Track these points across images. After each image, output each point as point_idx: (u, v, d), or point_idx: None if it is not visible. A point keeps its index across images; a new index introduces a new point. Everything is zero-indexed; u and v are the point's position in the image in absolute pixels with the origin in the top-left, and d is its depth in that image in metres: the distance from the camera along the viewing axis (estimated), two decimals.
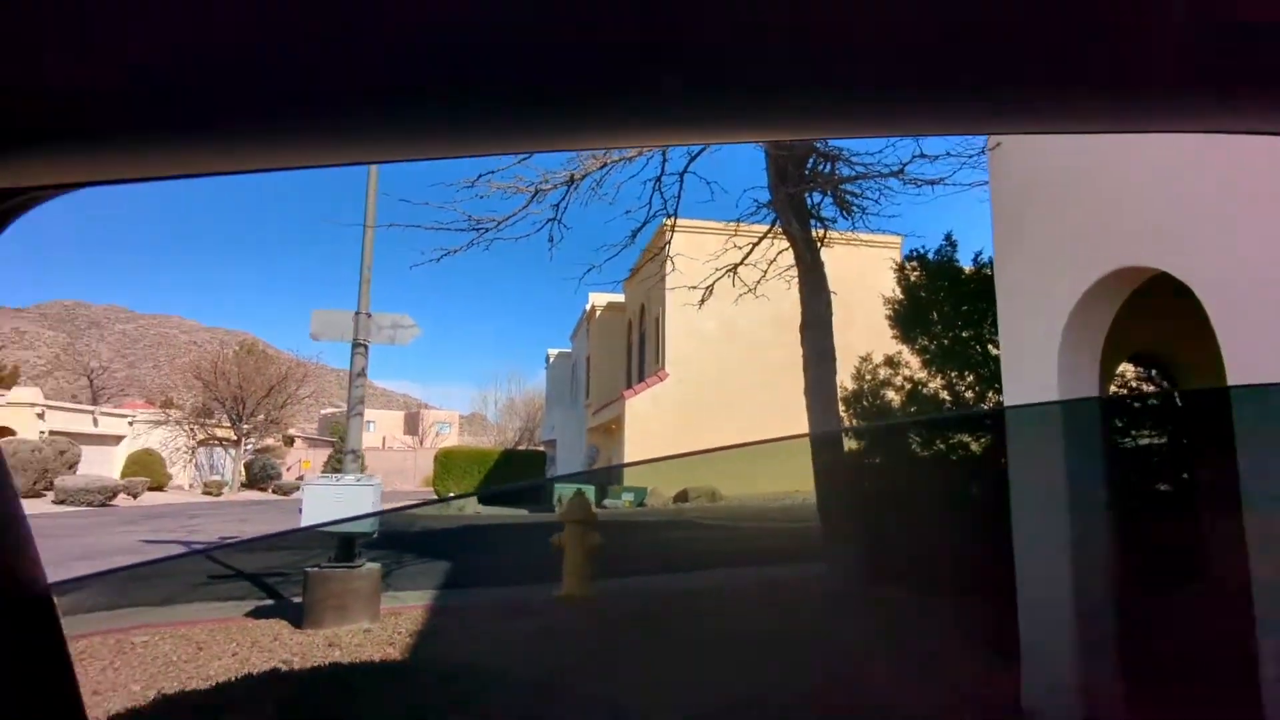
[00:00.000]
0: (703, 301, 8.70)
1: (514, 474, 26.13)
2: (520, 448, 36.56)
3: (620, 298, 23.70)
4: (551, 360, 32.56)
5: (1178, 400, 5.82)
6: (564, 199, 7.25)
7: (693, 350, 19.71)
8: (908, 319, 9.50)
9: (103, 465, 28.83)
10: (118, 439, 31.92)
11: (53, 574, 0.56)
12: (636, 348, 23.96)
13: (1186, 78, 0.43)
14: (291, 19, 0.37)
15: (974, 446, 7.40)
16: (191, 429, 33.08)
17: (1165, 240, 4.01)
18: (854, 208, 7.96)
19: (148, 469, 29.28)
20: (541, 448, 32.73)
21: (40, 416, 28.55)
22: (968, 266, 9.38)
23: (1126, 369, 7.61)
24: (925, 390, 9.48)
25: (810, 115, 0.47)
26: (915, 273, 9.66)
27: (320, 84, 0.41)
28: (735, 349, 19.45)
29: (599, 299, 25.59)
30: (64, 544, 12.54)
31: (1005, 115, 0.50)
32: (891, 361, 9.90)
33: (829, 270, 7.66)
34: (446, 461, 27.65)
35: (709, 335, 19.31)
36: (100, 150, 0.44)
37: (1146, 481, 4.61)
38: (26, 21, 0.36)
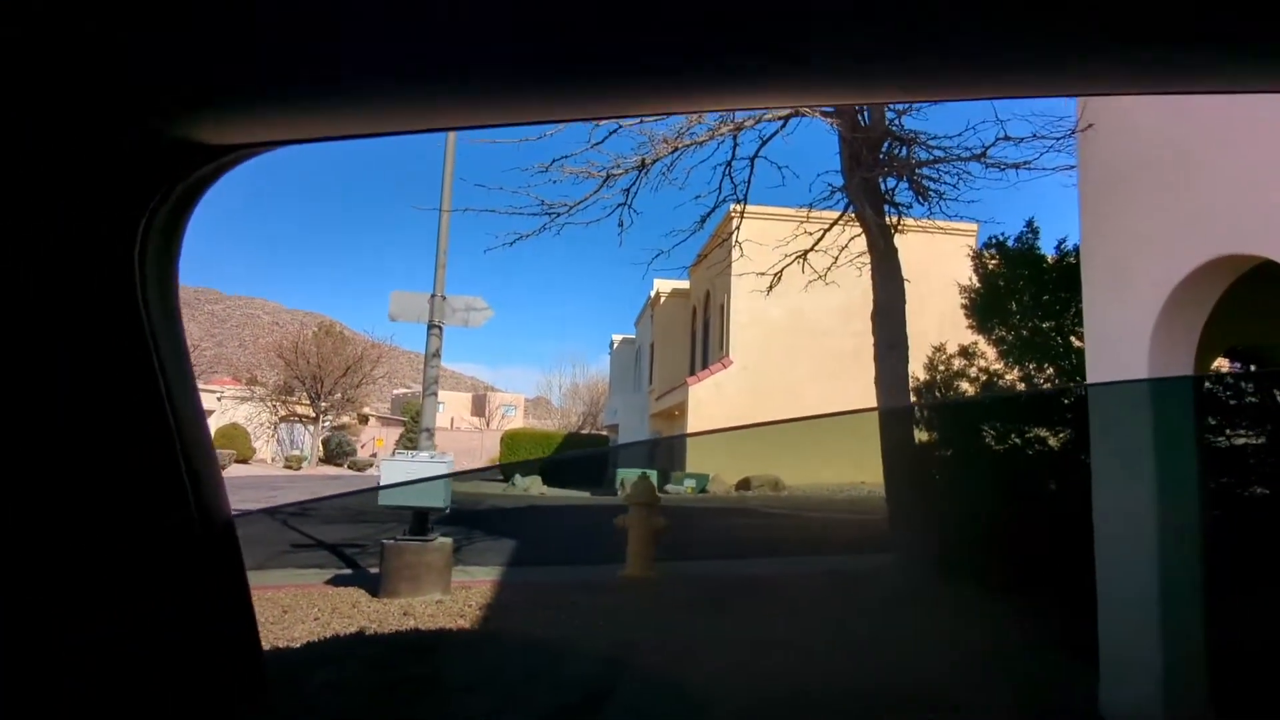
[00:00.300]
0: (771, 288, 8.62)
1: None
2: (584, 431, 37.02)
3: (685, 284, 23.62)
4: (615, 346, 32.74)
5: None
6: (634, 183, 7.28)
7: (757, 338, 19.52)
8: (984, 308, 9.19)
9: None
10: (208, 413, 33.64)
11: None
12: (700, 334, 23.89)
13: None
14: None
15: (1051, 441, 7.13)
16: (274, 405, 34.70)
17: (1273, 228, 3.77)
18: (931, 193, 7.73)
19: (234, 442, 30.84)
20: (604, 432, 33.07)
21: None
22: (1050, 254, 9.00)
23: (1222, 364, 7.20)
24: (1002, 382, 9.18)
25: (897, 78, 0.47)
26: (994, 260, 9.33)
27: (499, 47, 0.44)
28: (801, 338, 19.18)
29: (664, 285, 25.58)
30: None
31: (1109, 75, 0.48)
32: (966, 352, 9.61)
33: (901, 257, 7.48)
34: (512, 443, 28.33)
35: (774, 323, 19.08)
36: (305, 109, 0.49)
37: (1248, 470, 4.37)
38: None
